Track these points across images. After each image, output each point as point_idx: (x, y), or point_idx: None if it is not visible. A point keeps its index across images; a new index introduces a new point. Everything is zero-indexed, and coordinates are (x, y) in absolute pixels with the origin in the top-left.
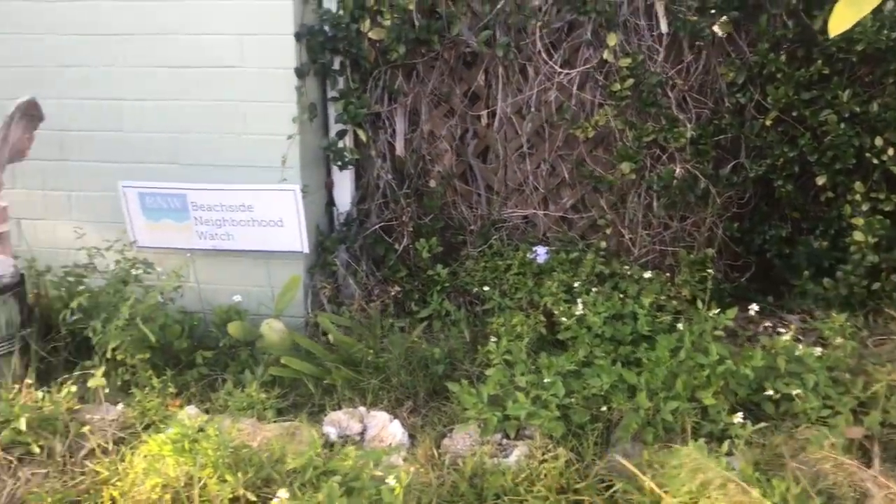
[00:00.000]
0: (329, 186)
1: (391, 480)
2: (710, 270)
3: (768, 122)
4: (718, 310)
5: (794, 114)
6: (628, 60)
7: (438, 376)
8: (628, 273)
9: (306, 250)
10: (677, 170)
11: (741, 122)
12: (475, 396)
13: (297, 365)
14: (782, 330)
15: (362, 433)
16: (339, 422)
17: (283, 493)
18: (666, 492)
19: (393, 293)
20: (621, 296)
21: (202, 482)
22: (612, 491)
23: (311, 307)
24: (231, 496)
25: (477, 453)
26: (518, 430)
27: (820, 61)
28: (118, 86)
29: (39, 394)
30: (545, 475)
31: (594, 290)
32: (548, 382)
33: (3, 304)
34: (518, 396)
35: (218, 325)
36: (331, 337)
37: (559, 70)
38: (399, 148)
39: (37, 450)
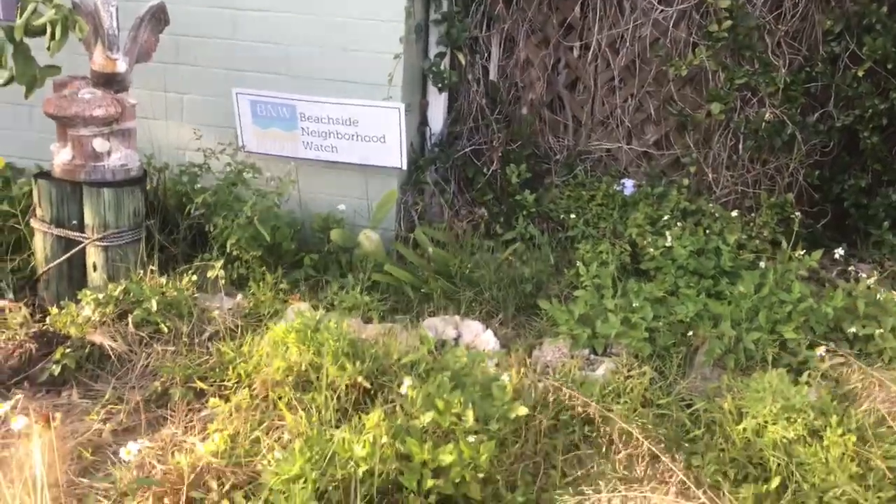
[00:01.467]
0: (423, 107)
1: (505, 377)
2: (797, 213)
3: (861, 73)
4: (804, 251)
5: (889, 66)
6: (728, 2)
7: (526, 294)
8: (712, 211)
9: (405, 167)
10: (767, 114)
11: (833, 71)
12: (566, 314)
13: (399, 273)
14: (863, 275)
15: (457, 339)
16: (435, 327)
17: (407, 381)
18: (745, 413)
19: (479, 214)
20: (706, 232)
21: (324, 368)
22: (692, 409)
23: (402, 222)
24: (348, 382)
25: (566, 365)
26: (605, 347)
27: None
28: None
29: (163, 280)
30: (631, 390)
31: (678, 224)
32: (637, 306)
33: (132, 194)
34: (608, 317)
35: (318, 230)
36: (430, 250)
37: (657, 6)
38: (493, 73)
39: (165, 330)
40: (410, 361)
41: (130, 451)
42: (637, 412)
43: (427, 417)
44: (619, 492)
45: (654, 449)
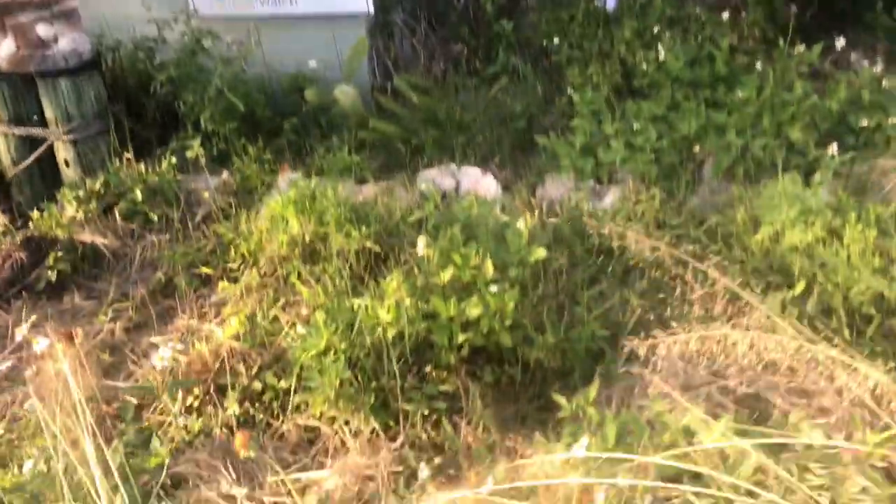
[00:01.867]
0: None
1: (520, 223)
2: (792, 5)
3: None
4: (802, 45)
5: None
6: None
7: (520, 131)
8: (699, 15)
9: (371, 10)
10: None
11: None
12: (567, 146)
13: (385, 127)
14: (865, 62)
15: (457, 188)
16: (433, 179)
17: (422, 241)
18: (761, 222)
19: (457, 51)
20: (697, 39)
21: (330, 237)
22: (706, 225)
23: (377, 72)
24: (356, 248)
25: (572, 199)
26: (610, 175)
27: None
28: None
29: (142, 167)
30: (642, 213)
31: (667, 34)
32: (638, 128)
33: (90, 80)
34: (610, 143)
35: (289, 92)
36: (415, 98)
37: None
38: None
39: (154, 218)
40: (417, 219)
41: (163, 356)
42: (652, 235)
43: (447, 274)
44: (696, 330)
45: (732, 286)
